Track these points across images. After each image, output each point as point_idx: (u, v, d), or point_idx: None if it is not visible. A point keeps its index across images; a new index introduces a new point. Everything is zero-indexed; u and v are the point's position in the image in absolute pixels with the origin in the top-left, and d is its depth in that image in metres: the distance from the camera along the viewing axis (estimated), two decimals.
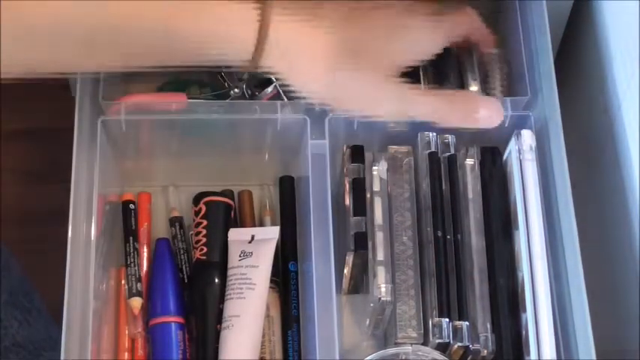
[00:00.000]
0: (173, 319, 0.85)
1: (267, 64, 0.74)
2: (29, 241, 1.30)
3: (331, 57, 0.75)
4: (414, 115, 0.79)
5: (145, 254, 0.88)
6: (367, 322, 0.84)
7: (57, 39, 0.70)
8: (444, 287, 0.80)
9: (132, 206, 0.89)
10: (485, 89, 0.87)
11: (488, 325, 0.80)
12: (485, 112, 0.80)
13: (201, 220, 0.88)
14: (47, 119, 1.29)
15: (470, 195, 0.84)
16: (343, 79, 0.76)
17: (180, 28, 0.72)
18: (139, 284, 0.86)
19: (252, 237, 0.87)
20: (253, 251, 0.86)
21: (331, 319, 0.79)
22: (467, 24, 0.84)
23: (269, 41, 0.73)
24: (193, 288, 0.87)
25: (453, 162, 0.84)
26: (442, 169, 0.84)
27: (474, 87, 0.88)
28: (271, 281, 0.86)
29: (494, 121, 0.80)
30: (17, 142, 1.37)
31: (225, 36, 0.73)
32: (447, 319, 0.79)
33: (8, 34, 0.68)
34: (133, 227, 0.88)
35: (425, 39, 0.80)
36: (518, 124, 0.84)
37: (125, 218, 0.88)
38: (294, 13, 0.75)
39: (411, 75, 0.87)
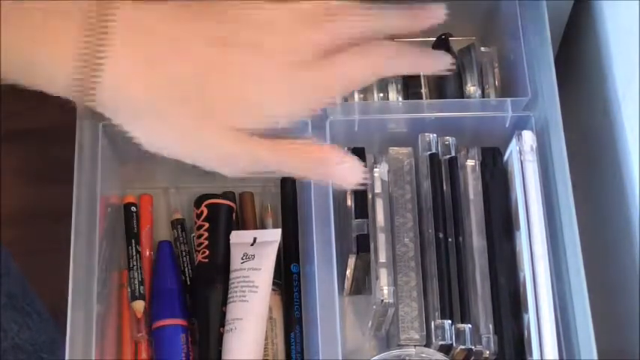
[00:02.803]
0: (176, 322, 0.85)
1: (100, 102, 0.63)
2: (29, 241, 1.30)
3: (150, 104, 0.64)
4: (261, 170, 0.68)
5: (147, 257, 0.88)
6: (369, 323, 0.84)
7: None
8: (446, 289, 0.81)
9: (134, 209, 0.89)
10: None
11: (491, 327, 0.81)
12: (340, 172, 0.68)
13: (202, 223, 0.88)
14: (47, 119, 1.29)
15: (471, 196, 0.84)
16: (182, 130, 0.66)
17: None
18: (141, 287, 0.86)
19: (254, 239, 0.87)
20: (255, 254, 0.86)
21: (333, 321, 0.79)
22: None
23: (98, 72, 0.62)
24: (196, 291, 0.87)
25: (453, 163, 0.84)
26: (443, 171, 0.84)
27: (472, 87, 0.88)
28: (273, 283, 0.86)
29: (349, 181, 0.69)
30: (17, 142, 1.37)
31: (43, 62, 0.63)
32: (450, 322, 0.80)
33: None
34: (135, 230, 0.88)
35: (283, 101, 0.66)
36: (518, 124, 0.84)
37: (127, 221, 0.89)
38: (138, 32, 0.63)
39: (411, 77, 0.88)
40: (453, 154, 0.85)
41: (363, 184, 0.69)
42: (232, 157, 0.67)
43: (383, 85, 0.87)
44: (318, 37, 0.66)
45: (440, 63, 0.71)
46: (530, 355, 0.78)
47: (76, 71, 0.62)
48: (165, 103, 0.64)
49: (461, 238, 0.83)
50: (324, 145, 0.74)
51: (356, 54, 0.67)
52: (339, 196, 0.88)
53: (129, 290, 0.86)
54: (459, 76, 0.89)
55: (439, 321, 0.80)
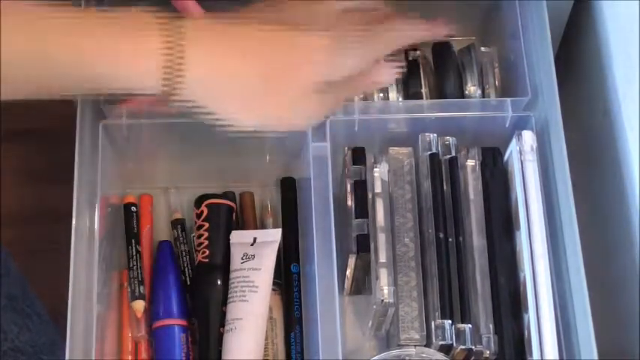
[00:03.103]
0: (176, 322, 0.85)
1: (186, 95, 0.73)
2: (29, 241, 1.30)
3: (254, 81, 0.74)
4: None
5: (147, 257, 0.88)
6: (370, 323, 0.84)
7: None
8: (447, 289, 0.81)
9: (134, 209, 0.89)
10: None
11: (491, 326, 0.81)
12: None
13: (203, 223, 0.88)
14: (47, 119, 1.29)
15: (471, 196, 0.84)
16: (268, 104, 0.75)
17: (88, 59, 0.71)
18: (141, 287, 0.86)
19: (255, 239, 0.87)
20: (255, 254, 0.86)
21: (334, 321, 0.79)
22: (402, 36, 0.81)
23: (182, 72, 0.71)
24: (196, 291, 0.87)
25: (453, 163, 0.84)
26: (443, 170, 0.84)
27: (473, 87, 0.88)
28: (274, 283, 0.86)
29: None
30: (17, 142, 1.37)
31: (129, 68, 0.72)
32: (450, 321, 0.80)
33: None
34: (135, 230, 0.88)
35: (350, 60, 0.77)
36: (519, 124, 0.84)
37: (127, 221, 0.89)
38: (210, 39, 0.74)
39: (411, 72, 0.88)
40: (453, 154, 0.85)
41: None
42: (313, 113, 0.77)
43: None
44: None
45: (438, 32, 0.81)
46: (531, 354, 0.78)
47: (164, 71, 0.71)
48: (247, 81, 0.74)
49: (461, 238, 0.83)
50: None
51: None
52: (339, 196, 0.88)
53: (129, 290, 0.86)
54: (459, 76, 0.89)
55: (439, 321, 0.80)
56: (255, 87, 0.74)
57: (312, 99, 0.76)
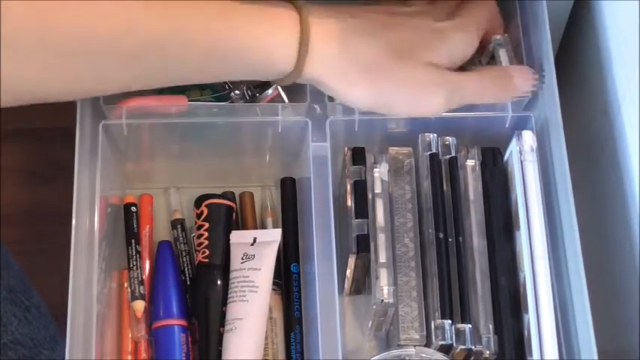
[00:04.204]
0: (176, 322, 0.85)
1: (310, 72, 0.75)
2: (29, 241, 1.30)
3: (374, 62, 0.76)
4: (462, 102, 0.80)
5: (147, 257, 0.88)
6: (370, 323, 0.84)
7: (99, 59, 0.70)
8: (446, 289, 0.81)
9: (134, 209, 0.89)
10: None
11: (491, 327, 0.81)
12: (519, 81, 0.82)
13: (202, 223, 0.88)
14: (47, 119, 1.30)
15: (471, 196, 0.84)
16: (388, 83, 0.77)
17: (221, 39, 0.73)
18: (141, 287, 0.86)
19: (254, 239, 0.87)
20: (255, 254, 0.86)
21: (334, 321, 0.79)
22: (490, 15, 0.84)
23: (311, 48, 0.74)
24: (196, 291, 0.87)
25: (453, 163, 0.84)
26: (443, 171, 0.84)
27: None
28: (274, 283, 0.86)
29: (527, 88, 0.82)
30: (17, 142, 1.37)
31: (266, 44, 0.74)
32: (450, 322, 0.80)
33: (43, 59, 0.68)
34: (135, 230, 0.88)
35: (460, 43, 0.80)
36: (518, 124, 0.84)
37: (127, 221, 0.89)
38: (334, 18, 0.76)
39: None
40: (453, 154, 0.85)
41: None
42: (436, 96, 0.78)
43: None
44: None
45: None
46: (530, 355, 0.78)
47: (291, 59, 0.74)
48: (370, 65, 0.76)
49: (461, 238, 0.83)
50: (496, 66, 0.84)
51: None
52: (339, 196, 0.88)
53: (129, 290, 0.86)
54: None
55: (439, 321, 0.80)
56: (377, 66, 0.76)
57: (430, 86, 0.78)
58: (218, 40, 0.73)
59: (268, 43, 0.74)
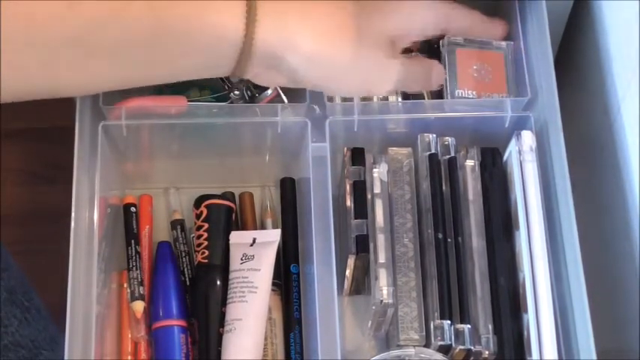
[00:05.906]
0: (176, 323, 0.85)
1: (265, 40, 0.72)
2: (29, 241, 1.30)
3: (334, 26, 0.75)
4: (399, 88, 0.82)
5: (147, 257, 0.88)
6: (369, 323, 0.84)
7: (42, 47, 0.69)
8: (446, 289, 0.81)
9: (133, 209, 0.89)
10: None
11: (490, 327, 0.81)
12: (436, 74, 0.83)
13: (202, 224, 0.88)
14: (47, 119, 1.30)
15: (470, 196, 0.84)
16: (347, 62, 0.76)
17: (164, 16, 0.71)
18: (141, 288, 0.86)
19: (254, 240, 0.87)
20: (255, 254, 0.86)
21: (333, 321, 0.79)
22: (467, 18, 0.84)
23: (261, 9, 0.72)
24: (195, 291, 0.87)
25: (453, 163, 0.84)
26: (442, 171, 0.84)
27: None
28: (273, 284, 0.86)
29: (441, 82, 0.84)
30: (17, 142, 1.37)
31: (212, 8, 0.71)
32: (449, 322, 0.80)
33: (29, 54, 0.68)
34: (135, 230, 0.88)
35: (420, 15, 0.80)
36: (518, 124, 0.84)
37: (127, 221, 0.89)
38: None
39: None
40: (453, 154, 0.85)
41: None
42: (389, 78, 0.78)
43: None
44: None
45: (495, 32, 0.85)
46: (530, 355, 0.78)
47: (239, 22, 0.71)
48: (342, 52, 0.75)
49: (460, 239, 0.83)
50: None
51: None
52: (339, 196, 0.88)
53: (128, 290, 0.86)
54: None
55: (438, 321, 0.80)
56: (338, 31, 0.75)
57: (382, 60, 0.77)
58: (162, 19, 0.70)
59: (213, 7, 0.71)
